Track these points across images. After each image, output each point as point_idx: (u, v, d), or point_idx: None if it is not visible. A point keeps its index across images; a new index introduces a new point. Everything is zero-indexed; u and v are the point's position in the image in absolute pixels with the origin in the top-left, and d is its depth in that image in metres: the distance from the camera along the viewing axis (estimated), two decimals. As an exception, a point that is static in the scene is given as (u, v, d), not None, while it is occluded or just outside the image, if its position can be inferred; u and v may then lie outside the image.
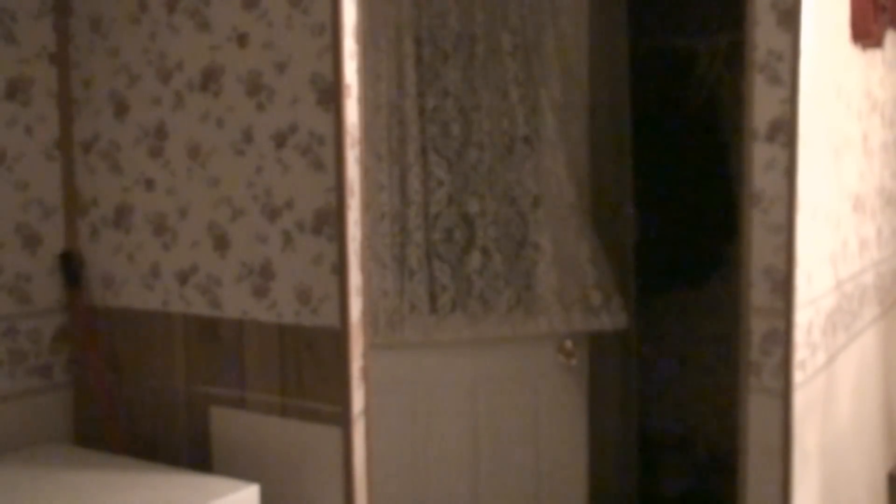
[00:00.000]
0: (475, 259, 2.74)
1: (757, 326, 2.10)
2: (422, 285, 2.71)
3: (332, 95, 2.05)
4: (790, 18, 2.02)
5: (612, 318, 2.75)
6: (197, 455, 2.31)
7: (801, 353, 2.13)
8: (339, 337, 2.09)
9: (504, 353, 2.80)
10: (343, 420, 2.10)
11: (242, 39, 2.17)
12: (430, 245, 2.73)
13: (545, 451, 2.87)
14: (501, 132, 2.75)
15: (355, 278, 2.09)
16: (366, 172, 2.11)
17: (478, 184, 2.73)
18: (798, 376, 2.11)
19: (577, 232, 2.77)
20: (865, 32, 2.59)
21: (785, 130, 2.04)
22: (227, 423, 2.27)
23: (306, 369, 2.14)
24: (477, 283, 2.74)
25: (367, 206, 2.13)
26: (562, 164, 2.75)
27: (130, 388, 2.43)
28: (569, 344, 2.78)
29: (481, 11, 2.71)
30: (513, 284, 2.76)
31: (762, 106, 2.06)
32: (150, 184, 2.35)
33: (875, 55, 2.83)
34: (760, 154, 2.07)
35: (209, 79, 2.22)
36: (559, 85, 2.77)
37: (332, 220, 2.08)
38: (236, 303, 2.24)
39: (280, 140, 2.14)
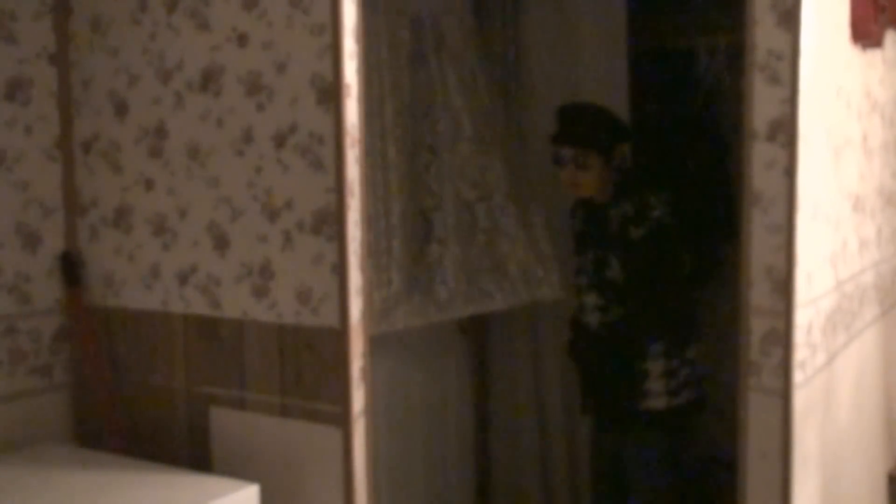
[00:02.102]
0: (433, 250, 2.94)
1: (757, 326, 2.10)
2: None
3: (332, 95, 2.05)
4: (790, 18, 2.01)
5: (552, 290, 3.17)
6: (197, 455, 2.31)
7: (801, 353, 2.13)
8: (339, 337, 2.09)
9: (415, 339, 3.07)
10: (343, 420, 2.10)
11: (242, 39, 2.17)
12: (390, 237, 2.91)
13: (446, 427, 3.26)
14: (449, 134, 3.05)
15: (355, 278, 2.09)
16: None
17: (430, 180, 2.94)
18: (798, 376, 2.11)
19: (516, 218, 3.13)
20: (865, 32, 2.58)
21: (785, 130, 2.04)
22: (227, 423, 2.27)
23: (306, 369, 2.14)
24: (426, 273, 2.95)
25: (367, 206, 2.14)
26: (499, 160, 3.11)
27: (130, 388, 2.43)
28: (465, 321, 3.26)
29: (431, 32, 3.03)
30: (464, 271, 3.02)
31: (762, 106, 2.06)
32: (150, 184, 2.35)
33: (875, 55, 2.83)
34: (760, 154, 2.07)
35: (209, 79, 2.22)
36: (485, 91, 3.11)
37: (331, 220, 2.08)
38: (236, 303, 2.24)
39: (280, 140, 2.14)
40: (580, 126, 2.81)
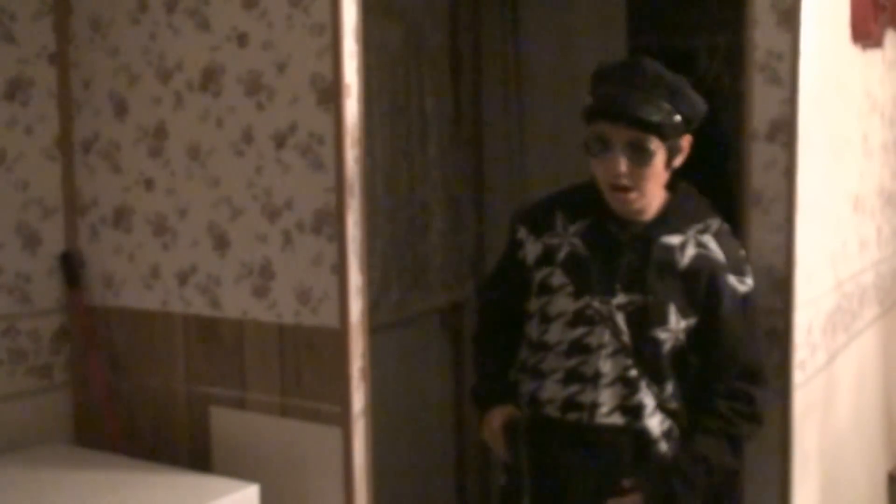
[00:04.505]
0: (379, 247, 2.95)
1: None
2: None
3: (332, 95, 2.05)
4: (790, 18, 2.01)
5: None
6: (197, 455, 2.31)
7: (801, 353, 2.13)
8: (339, 337, 2.09)
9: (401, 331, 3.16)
10: (343, 420, 2.10)
11: (242, 39, 2.17)
12: (375, 236, 2.94)
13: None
14: (419, 136, 3.12)
15: (355, 278, 2.09)
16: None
17: (377, 184, 2.94)
18: (798, 376, 2.11)
19: (454, 223, 3.27)
20: (865, 32, 2.58)
21: (785, 130, 2.04)
22: (227, 423, 2.27)
23: (306, 369, 2.14)
24: (378, 271, 2.99)
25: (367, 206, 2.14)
26: (446, 169, 3.18)
27: (130, 388, 2.43)
28: (445, 316, 3.35)
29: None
30: (408, 270, 3.09)
31: (762, 106, 2.06)
32: (150, 184, 2.35)
33: (875, 55, 2.83)
34: (760, 154, 2.07)
35: (209, 79, 2.22)
36: (433, 98, 3.14)
37: (332, 220, 2.08)
38: (236, 303, 2.24)
39: (280, 140, 2.14)
40: (652, 93, 1.79)
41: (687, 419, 1.89)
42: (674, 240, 1.87)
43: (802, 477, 2.20)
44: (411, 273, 3.14)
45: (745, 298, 1.88)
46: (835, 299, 2.46)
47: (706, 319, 1.87)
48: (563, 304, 1.90)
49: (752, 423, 1.88)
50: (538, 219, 1.98)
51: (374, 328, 2.73)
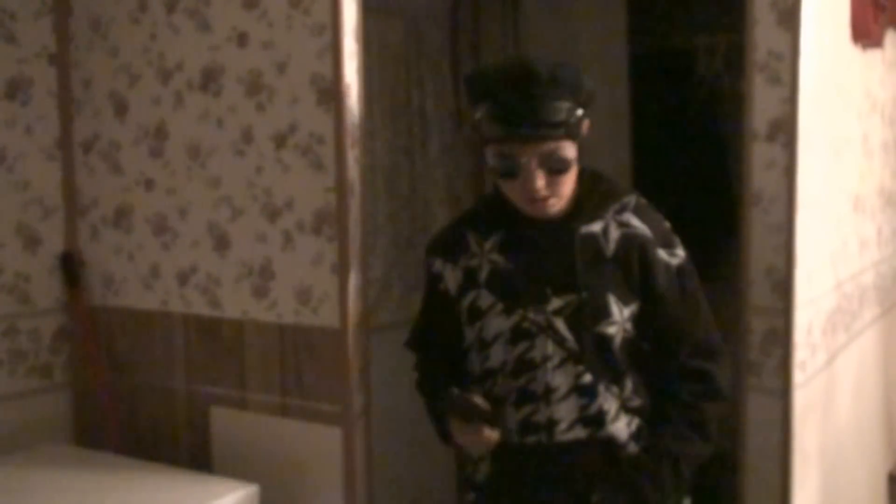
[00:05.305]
0: (379, 251, 2.92)
1: (757, 326, 2.10)
2: None
3: (332, 95, 2.05)
4: (790, 18, 2.01)
5: None
6: (197, 455, 2.31)
7: (801, 353, 2.13)
8: (339, 337, 2.09)
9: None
10: (343, 420, 2.10)
11: (242, 39, 2.17)
12: (376, 236, 2.93)
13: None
14: (420, 137, 3.09)
15: (355, 278, 2.09)
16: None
17: (377, 184, 2.91)
18: (798, 376, 2.11)
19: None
20: (865, 32, 2.58)
21: (785, 130, 2.04)
22: (227, 423, 2.27)
23: (306, 369, 2.14)
24: (379, 271, 2.96)
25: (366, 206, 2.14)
26: (447, 168, 3.13)
27: (130, 388, 2.43)
28: None
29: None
30: (410, 270, 3.02)
31: (762, 106, 2.06)
32: (150, 184, 2.35)
33: (875, 55, 2.83)
34: (760, 154, 2.07)
35: (209, 79, 2.22)
36: (433, 98, 3.11)
37: (331, 220, 2.08)
38: (236, 303, 2.24)
39: (280, 140, 2.14)
40: (552, 95, 1.63)
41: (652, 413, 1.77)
42: (594, 227, 1.74)
43: (802, 477, 2.19)
44: (412, 273, 3.15)
45: (680, 271, 1.76)
46: (835, 299, 2.46)
47: (645, 300, 1.74)
48: (498, 323, 1.75)
49: (715, 400, 1.74)
50: (450, 245, 1.83)
51: (374, 328, 2.74)
